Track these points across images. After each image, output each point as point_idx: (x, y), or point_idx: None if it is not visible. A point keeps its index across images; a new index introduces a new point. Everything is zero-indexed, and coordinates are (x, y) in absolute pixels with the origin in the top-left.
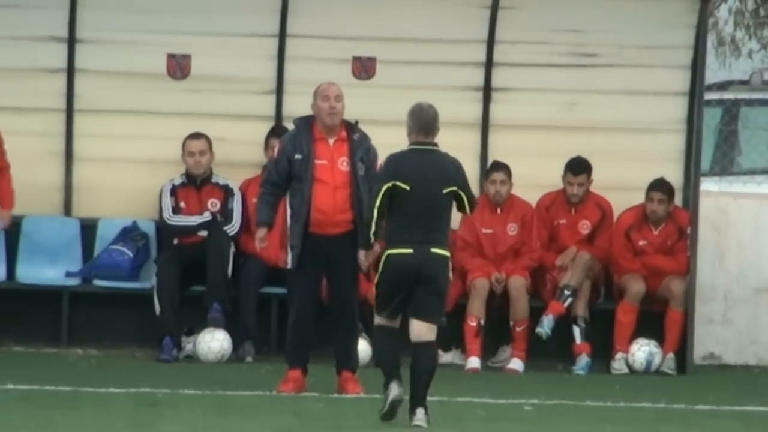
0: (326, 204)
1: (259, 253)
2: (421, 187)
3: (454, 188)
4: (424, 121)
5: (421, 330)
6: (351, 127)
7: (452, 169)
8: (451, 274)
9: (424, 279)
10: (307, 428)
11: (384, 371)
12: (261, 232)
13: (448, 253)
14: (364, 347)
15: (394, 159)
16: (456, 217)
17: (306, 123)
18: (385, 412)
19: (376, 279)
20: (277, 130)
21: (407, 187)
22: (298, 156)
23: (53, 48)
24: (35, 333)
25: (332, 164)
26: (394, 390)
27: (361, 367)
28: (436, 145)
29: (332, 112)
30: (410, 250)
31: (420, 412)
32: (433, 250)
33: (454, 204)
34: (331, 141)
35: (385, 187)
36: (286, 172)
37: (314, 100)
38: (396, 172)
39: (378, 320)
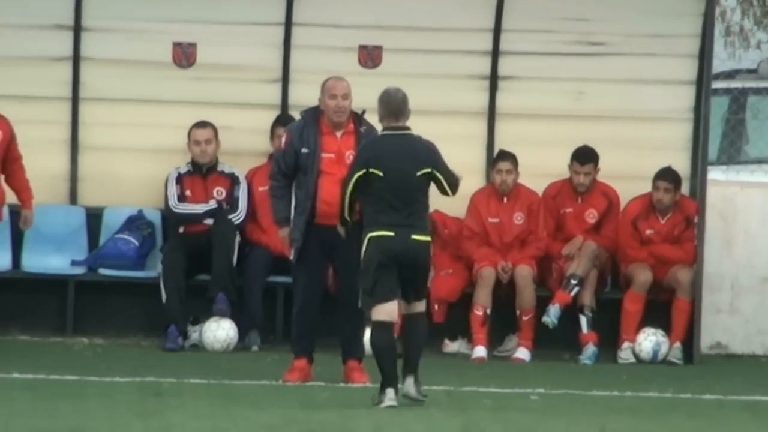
0: (333, 196)
1: (264, 242)
2: (394, 171)
3: (428, 170)
4: (392, 106)
5: (413, 304)
6: (358, 119)
7: (425, 151)
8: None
9: (408, 266)
10: (312, 418)
11: (383, 372)
12: (283, 232)
13: (428, 238)
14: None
15: (366, 146)
16: (462, 206)
17: (313, 115)
18: (377, 406)
19: (361, 266)
20: (282, 119)
21: (381, 173)
22: (305, 150)
23: (58, 36)
24: (41, 322)
25: (339, 157)
26: (391, 398)
27: (367, 356)
28: (407, 128)
29: (339, 111)
30: (391, 233)
31: (410, 380)
32: (414, 236)
33: (435, 188)
34: (338, 134)
35: (356, 176)
36: (293, 164)
37: (321, 96)
38: (369, 160)
39: (373, 314)
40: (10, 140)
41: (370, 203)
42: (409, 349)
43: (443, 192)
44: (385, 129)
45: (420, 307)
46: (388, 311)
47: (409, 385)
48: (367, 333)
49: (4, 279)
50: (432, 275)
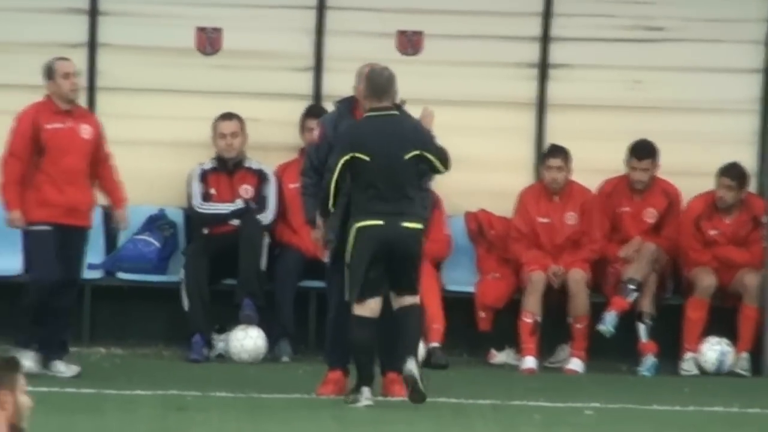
0: None
1: (295, 244)
2: (381, 156)
3: (417, 152)
4: (376, 85)
5: (403, 297)
6: (398, 108)
7: (412, 132)
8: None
9: (399, 255)
10: None
11: (359, 370)
12: (317, 232)
13: (420, 225)
14: None
15: (350, 130)
16: (510, 205)
17: (348, 106)
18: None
19: (347, 258)
20: (313, 111)
21: (367, 158)
22: None
23: (73, 21)
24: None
25: None
26: (367, 396)
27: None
28: (392, 109)
29: None
30: (380, 222)
31: (412, 361)
32: (404, 224)
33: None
34: None
35: (342, 161)
36: (327, 159)
37: (357, 83)
38: (353, 143)
39: (356, 309)
40: (99, 138)
41: (357, 191)
42: (406, 339)
43: (436, 171)
44: (369, 110)
45: (413, 299)
46: (371, 308)
47: (411, 364)
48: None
49: (15, 284)
50: (477, 280)
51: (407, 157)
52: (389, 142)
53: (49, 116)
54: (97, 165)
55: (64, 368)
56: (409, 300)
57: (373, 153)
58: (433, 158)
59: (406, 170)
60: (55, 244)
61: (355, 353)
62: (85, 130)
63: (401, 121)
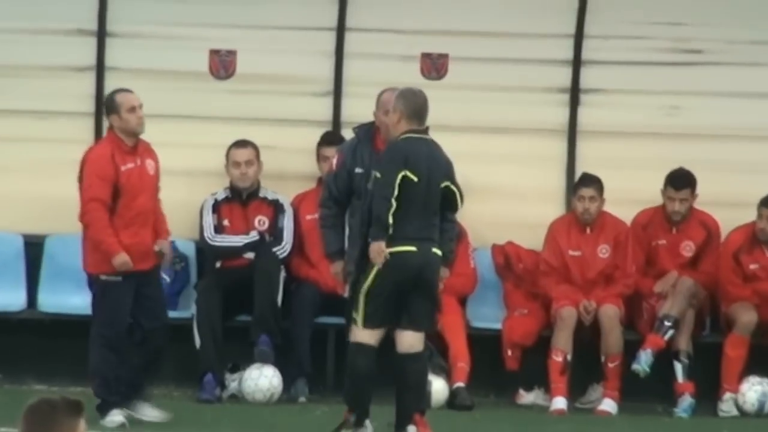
0: None
1: (313, 278)
2: (426, 179)
3: (448, 183)
4: (417, 106)
5: (413, 341)
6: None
7: (447, 162)
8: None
9: (423, 284)
10: None
11: (357, 401)
12: (336, 267)
13: (441, 253)
14: (438, 386)
15: (403, 146)
16: (539, 237)
17: (367, 132)
18: None
19: (367, 282)
20: (328, 138)
21: (416, 179)
22: (358, 170)
23: (80, 43)
24: (59, 369)
25: None
26: (371, 430)
27: (433, 408)
28: (428, 133)
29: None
30: (414, 248)
31: (412, 430)
32: (434, 250)
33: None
34: None
35: (400, 176)
36: (347, 187)
37: (377, 110)
38: (407, 161)
39: (358, 335)
40: (159, 172)
41: (397, 212)
42: (408, 396)
43: (451, 208)
44: (408, 131)
45: (419, 345)
46: (374, 335)
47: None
48: (434, 383)
49: (18, 320)
50: (504, 316)
51: (442, 185)
52: (432, 166)
53: (123, 157)
54: None
55: (151, 411)
56: (417, 346)
57: (421, 174)
58: (457, 193)
59: (438, 197)
60: (128, 295)
61: (354, 383)
62: (150, 166)
63: (438, 148)
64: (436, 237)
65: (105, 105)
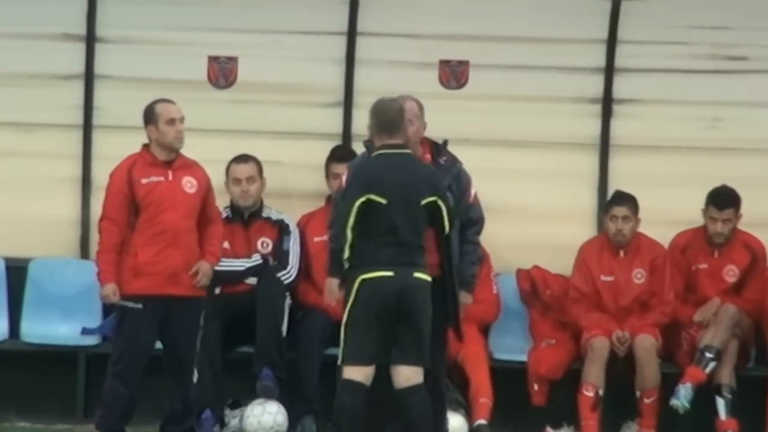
0: None
1: (322, 306)
2: (398, 199)
3: (433, 198)
4: (386, 119)
5: (409, 374)
6: (437, 149)
7: (430, 176)
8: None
9: (407, 313)
10: None
11: None
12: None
13: (429, 278)
14: (457, 424)
15: (363, 167)
16: (568, 261)
17: None
18: None
19: (345, 315)
20: (339, 154)
21: (384, 201)
22: None
23: (67, 49)
24: (44, 404)
25: None
26: None
27: None
28: (405, 147)
29: None
30: (390, 273)
31: None
32: (416, 274)
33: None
34: None
35: (358, 203)
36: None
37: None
38: (369, 184)
39: (346, 372)
40: (207, 193)
41: (367, 237)
42: (418, 430)
43: (441, 229)
44: (380, 147)
45: (417, 377)
46: (364, 372)
47: None
48: (452, 420)
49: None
50: (530, 347)
51: (424, 202)
52: (407, 183)
53: (144, 169)
54: (203, 225)
55: None
56: (414, 379)
57: (390, 195)
58: (445, 210)
59: (420, 216)
60: (150, 323)
61: (341, 424)
62: (190, 184)
63: (416, 161)
64: (421, 261)
65: (144, 114)
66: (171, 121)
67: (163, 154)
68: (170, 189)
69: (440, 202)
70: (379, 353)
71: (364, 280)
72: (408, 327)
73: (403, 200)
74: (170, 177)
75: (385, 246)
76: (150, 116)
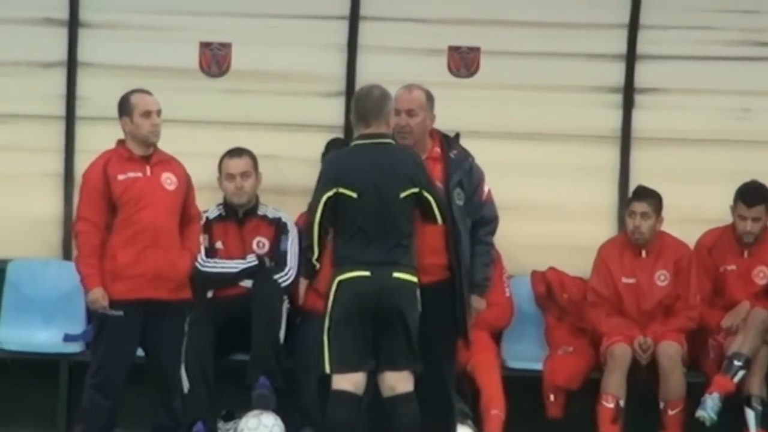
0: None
1: (321, 310)
2: (371, 192)
3: (416, 190)
4: (365, 108)
5: (395, 380)
6: (448, 142)
7: (411, 166)
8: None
9: (388, 316)
10: None
11: None
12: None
13: (414, 278)
14: None
15: (334, 161)
16: (586, 263)
17: None
18: None
19: (326, 319)
20: (335, 147)
21: (354, 195)
22: None
23: (48, 34)
24: (23, 416)
25: None
26: None
27: None
28: (386, 136)
29: (402, 132)
30: (367, 273)
31: None
32: (396, 274)
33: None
34: None
35: (325, 197)
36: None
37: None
38: (338, 177)
39: (335, 382)
40: (187, 191)
41: (341, 235)
42: None
43: (431, 220)
44: (358, 137)
45: (406, 385)
46: (353, 380)
47: None
48: (461, 430)
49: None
50: (546, 355)
51: (404, 194)
52: (382, 176)
53: (120, 165)
54: (182, 225)
55: None
56: (402, 386)
57: (362, 189)
58: (433, 201)
59: (401, 211)
60: (130, 330)
61: None
62: (169, 180)
63: (397, 151)
64: (404, 260)
65: (118, 105)
66: (146, 114)
67: (140, 149)
68: (149, 185)
69: (425, 194)
70: (364, 358)
71: (340, 281)
72: (390, 331)
73: (376, 193)
74: (148, 172)
75: (359, 244)
76: (124, 107)
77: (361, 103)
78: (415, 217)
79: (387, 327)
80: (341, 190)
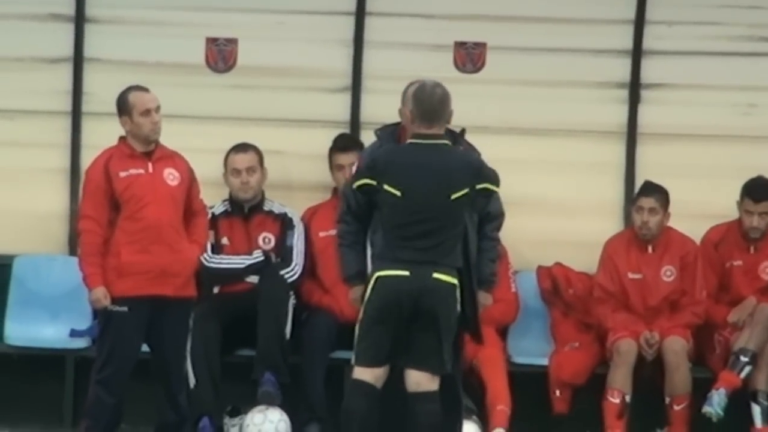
0: None
1: (327, 306)
2: (416, 193)
3: (466, 190)
4: (427, 106)
5: (418, 378)
6: (453, 138)
7: (465, 168)
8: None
9: (423, 314)
10: None
11: None
12: (355, 293)
13: (454, 279)
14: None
15: (382, 153)
16: (592, 258)
17: (392, 135)
18: None
19: (361, 312)
20: (342, 143)
21: (398, 193)
22: None
23: (53, 30)
24: (30, 412)
25: None
26: None
27: None
28: (443, 137)
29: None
30: (406, 273)
31: None
32: (436, 275)
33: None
34: None
35: (359, 183)
36: (368, 200)
37: (403, 107)
38: (385, 171)
39: (356, 372)
40: (190, 185)
41: (383, 231)
42: None
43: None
44: (412, 136)
45: (430, 384)
46: (374, 373)
47: None
48: (465, 428)
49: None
50: (552, 350)
51: (455, 196)
52: (430, 178)
53: (122, 162)
54: (187, 218)
55: None
56: (426, 385)
57: (406, 188)
58: (491, 186)
59: (449, 213)
60: (135, 326)
61: (347, 426)
62: (172, 176)
63: (453, 153)
64: (445, 260)
65: (116, 104)
66: (146, 112)
67: (141, 146)
68: (151, 182)
69: (484, 185)
70: (390, 356)
71: (379, 277)
72: (424, 331)
73: (423, 195)
74: (150, 169)
75: (400, 242)
76: (123, 107)
77: (426, 103)
78: (465, 218)
79: (421, 327)
80: (385, 186)
